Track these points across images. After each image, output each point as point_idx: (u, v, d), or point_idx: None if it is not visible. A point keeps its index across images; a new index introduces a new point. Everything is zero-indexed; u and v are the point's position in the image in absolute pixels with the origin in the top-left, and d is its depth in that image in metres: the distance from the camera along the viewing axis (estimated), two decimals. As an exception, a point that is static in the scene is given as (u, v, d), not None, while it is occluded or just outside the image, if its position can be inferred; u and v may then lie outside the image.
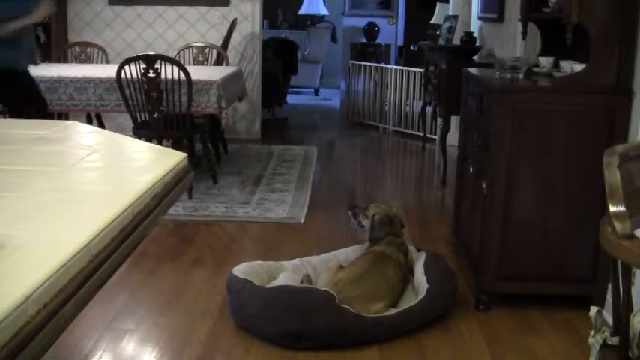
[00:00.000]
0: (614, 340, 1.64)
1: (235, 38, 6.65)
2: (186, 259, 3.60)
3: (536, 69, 3.25)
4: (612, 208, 1.49)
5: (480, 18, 6.09)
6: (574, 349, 2.69)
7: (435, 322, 2.85)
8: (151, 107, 4.50)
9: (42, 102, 4.26)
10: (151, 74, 4.41)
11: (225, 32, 6.40)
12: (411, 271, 3.11)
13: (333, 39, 10.77)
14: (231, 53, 6.62)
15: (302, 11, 11.03)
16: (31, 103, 4.06)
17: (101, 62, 6.11)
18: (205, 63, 6.03)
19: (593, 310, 1.81)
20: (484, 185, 2.97)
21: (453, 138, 5.45)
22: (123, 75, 4.43)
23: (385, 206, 3.31)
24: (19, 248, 1.08)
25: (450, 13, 6.62)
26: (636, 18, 2.77)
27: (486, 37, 5.84)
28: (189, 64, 5.85)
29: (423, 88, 6.59)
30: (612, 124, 2.81)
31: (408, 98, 7.34)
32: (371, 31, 10.96)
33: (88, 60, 6.15)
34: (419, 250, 3.28)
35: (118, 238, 1.25)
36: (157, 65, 4.41)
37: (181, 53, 5.96)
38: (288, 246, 3.77)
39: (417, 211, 4.60)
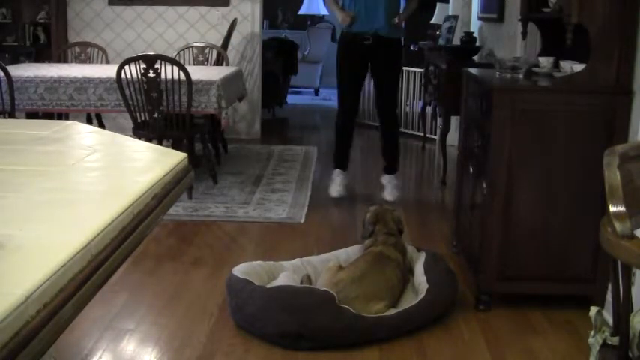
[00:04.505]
0: (614, 340, 1.63)
1: (235, 38, 6.65)
2: (186, 259, 3.60)
3: (536, 69, 3.25)
4: (612, 208, 1.49)
5: (480, 18, 6.09)
6: (574, 349, 2.69)
7: (435, 322, 2.84)
8: (151, 107, 4.50)
9: None
10: (151, 74, 4.41)
11: (225, 32, 6.40)
12: (410, 271, 3.11)
13: (333, 39, 10.75)
14: (231, 53, 6.62)
15: (302, 11, 11.03)
16: None
17: (101, 62, 6.10)
18: (205, 63, 6.03)
19: (593, 310, 1.80)
20: (484, 185, 2.97)
21: (453, 138, 5.45)
22: (123, 75, 4.43)
23: (387, 207, 3.34)
24: (19, 248, 1.08)
25: (450, 13, 6.62)
26: (636, 18, 2.77)
27: (486, 37, 5.84)
28: (189, 64, 5.84)
29: (423, 88, 6.59)
30: (612, 124, 2.81)
31: (408, 98, 7.34)
32: (371, 31, 10.93)
33: (88, 60, 6.15)
34: (419, 250, 3.28)
35: (118, 238, 1.25)
36: (156, 65, 4.41)
37: (181, 53, 5.96)
38: (288, 246, 3.77)
39: (417, 211, 4.60)
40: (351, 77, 4.66)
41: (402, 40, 4.75)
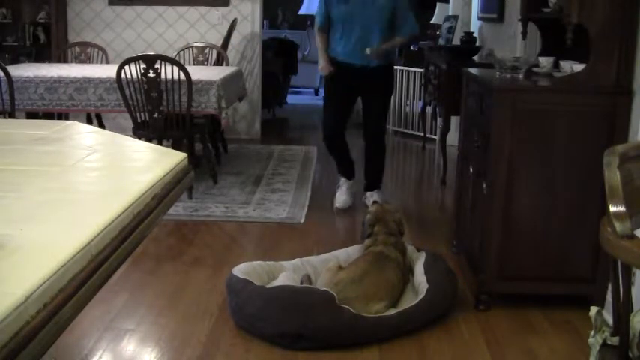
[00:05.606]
0: (614, 340, 1.64)
1: (235, 38, 6.65)
2: (186, 259, 3.60)
3: (536, 69, 3.25)
4: (612, 208, 1.49)
5: (480, 18, 6.09)
6: (574, 349, 2.69)
7: (435, 322, 2.84)
8: (151, 107, 4.50)
9: None
10: (151, 74, 4.41)
11: (225, 32, 6.40)
12: (411, 271, 3.11)
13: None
14: (231, 53, 6.62)
15: (302, 11, 11.02)
16: None
17: (101, 62, 6.10)
18: (205, 63, 6.03)
19: (593, 310, 1.80)
20: (484, 185, 2.97)
21: (453, 138, 5.45)
22: (123, 75, 4.43)
23: (387, 207, 3.32)
24: (19, 248, 1.08)
25: (450, 13, 6.62)
26: (636, 18, 2.77)
27: (486, 37, 5.84)
28: (189, 64, 5.85)
29: (423, 88, 6.59)
30: (612, 124, 2.81)
31: (408, 98, 7.34)
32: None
33: (88, 60, 6.15)
34: (419, 250, 3.28)
35: (118, 238, 1.25)
36: (156, 65, 4.41)
37: (181, 53, 5.96)
38: (288, 246, 3.77)
39: (417, 211, 4.60)
40: (338, 99, 4.41)
41: (394, 65, 4.57)
